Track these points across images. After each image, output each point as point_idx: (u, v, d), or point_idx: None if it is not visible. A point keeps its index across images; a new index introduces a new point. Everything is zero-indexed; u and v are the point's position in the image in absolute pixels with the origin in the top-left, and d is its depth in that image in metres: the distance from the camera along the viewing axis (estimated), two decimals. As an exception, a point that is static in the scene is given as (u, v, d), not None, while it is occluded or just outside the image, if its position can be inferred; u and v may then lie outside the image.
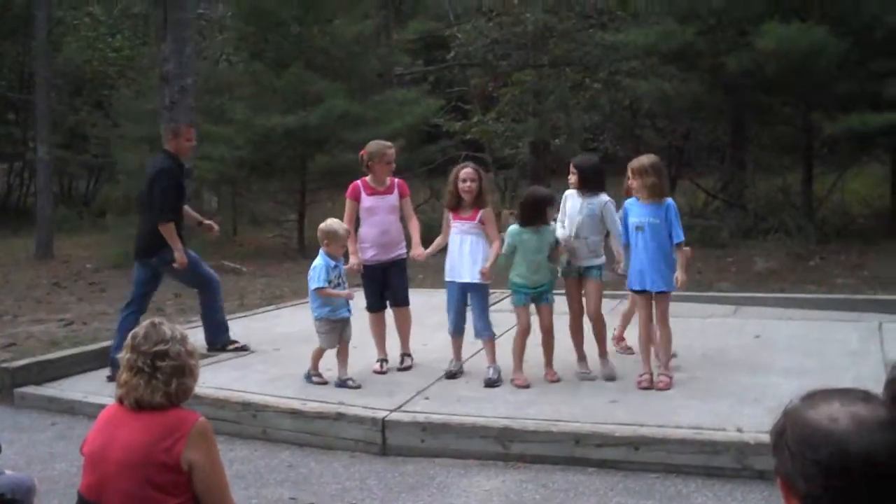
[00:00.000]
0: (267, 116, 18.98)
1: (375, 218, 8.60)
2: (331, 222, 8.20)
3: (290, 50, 20.49)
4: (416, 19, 27.51)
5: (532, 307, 8.14)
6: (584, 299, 8.18)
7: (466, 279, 8.22)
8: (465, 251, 8.24)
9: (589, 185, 8.03)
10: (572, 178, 8.09)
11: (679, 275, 7.70)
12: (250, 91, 20.95)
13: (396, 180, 8.75)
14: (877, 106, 15.48)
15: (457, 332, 8.52)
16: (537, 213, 8.01)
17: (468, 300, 8.39)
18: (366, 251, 8.61)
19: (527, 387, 7.90)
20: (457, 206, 8.31)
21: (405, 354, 8.79)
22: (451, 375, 8.40)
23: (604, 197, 8.04)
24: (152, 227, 9.11)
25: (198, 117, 18.41)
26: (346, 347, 8.26)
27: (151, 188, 9.15)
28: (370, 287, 8.77)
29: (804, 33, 15.55)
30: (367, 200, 8.62)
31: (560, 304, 8.23)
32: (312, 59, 20.30)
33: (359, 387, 8.06)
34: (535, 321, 8.08)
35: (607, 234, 8.17)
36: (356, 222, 8.72)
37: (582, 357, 8.20)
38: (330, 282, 8.06)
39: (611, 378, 7.90)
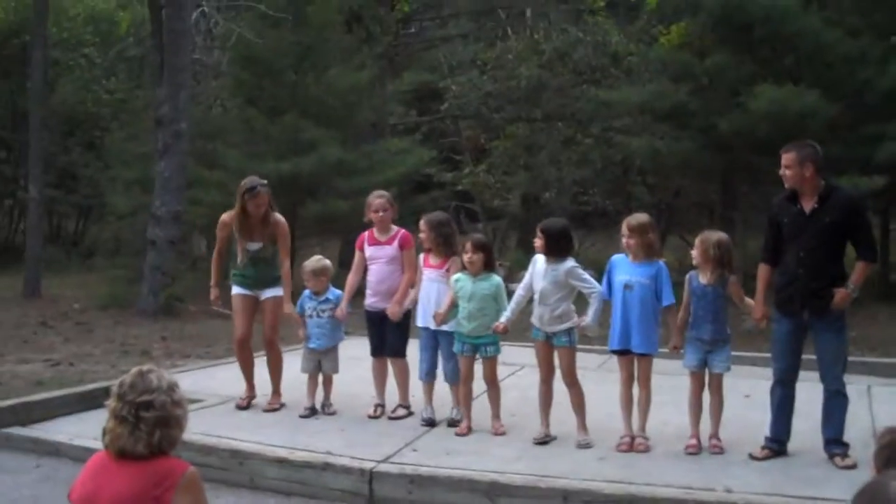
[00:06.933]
0: (260, 163, 18.99)
1: (374, 267, 8.84)
2: (305, 262, 9.17)
3: (284, 97, 20.56)
4: (411, 70, 27.71)
5: None
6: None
7: (433, 326, 8.46)
8: (432, 298, 8.45)
9: (554, 251, 7.78)
10: (538, 243, 7.82)
11: (674, 338, 7.73)
12: (244, 137, 21.00)
13: (401, 232, 8.87)
14: (866, 169, 15.59)
15: (428, 377, 8.66)
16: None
17: (439, 346, 8.60)
18: (368, 297, 8.92)
19: (465, 434, 8.13)
20: (428, 253, 8.61)
21: (400, 405, 8.84)
22: (430, 423, 8.46)
23: (569, 262, 7.77)
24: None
25: (191, 162, 18.47)
26: (329, 379, 9.06)
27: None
28: (370, 332, 9.03)
29: (796, 96, 15.70)
30: (368, 250, 8.89)
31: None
32: (307, 107, 20.34)
33: (333, 413, 8.80)
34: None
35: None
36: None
37: (545, 422, 7.98)
38: (305, 311, 8.98)
39: (586, 447, 7.76)
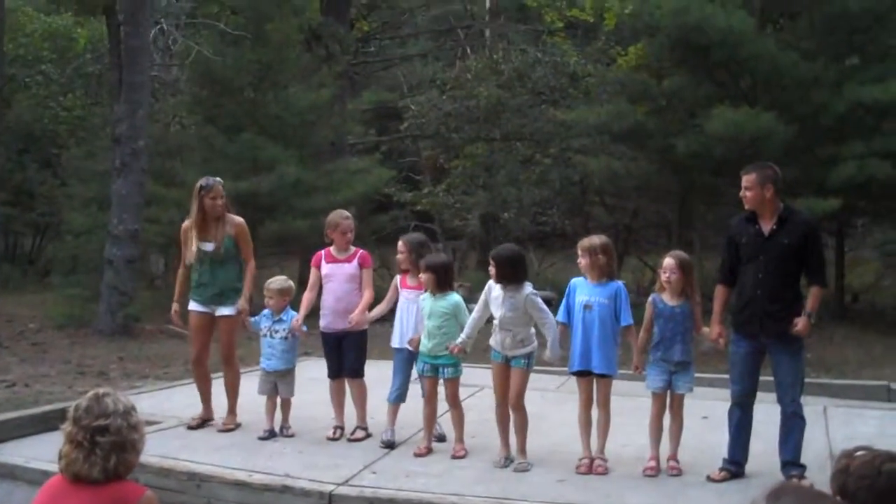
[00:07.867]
0: (218, 181, 18.90)
1: (331, 285, 8.77)
2: (269, 281, 8.98)
3: (243, 115, 20.54)
4: (370, 89, 27.73)
5: None
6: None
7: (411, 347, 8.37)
8: (412, 319, 8.42)
9: (509, 277, 7.72)
10: (491, 271, 7.77)
11: (636, 359, 7.77)
12: (202, 155, 20.90)
13: (360, 251, 8.87)
14: (821, 191, 15.76)
15: (398, 399, 8.58)
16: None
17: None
18: (324, 317, 8.81)
19: (424, 454, 8.11)
20: (406, 273, 8.55)
21: (359, 427, 8.78)
22: (390, 445, 8.40)
23: (527, 288, 7.74)
24: None
25: (148, 180, 18.36)
26: (287, 403, 8.91)
27: None
28: (327, 354, 8.96)
29: (752, 118, 15.86)
30: (325, 268, 8.81)
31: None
32: (266, 125, 20.34)
33: (292, 435, 8.72)
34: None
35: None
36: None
37: (505, 444, 7.95)
38: (261, 328, 8.90)
39: (524, 470, 7.71)
